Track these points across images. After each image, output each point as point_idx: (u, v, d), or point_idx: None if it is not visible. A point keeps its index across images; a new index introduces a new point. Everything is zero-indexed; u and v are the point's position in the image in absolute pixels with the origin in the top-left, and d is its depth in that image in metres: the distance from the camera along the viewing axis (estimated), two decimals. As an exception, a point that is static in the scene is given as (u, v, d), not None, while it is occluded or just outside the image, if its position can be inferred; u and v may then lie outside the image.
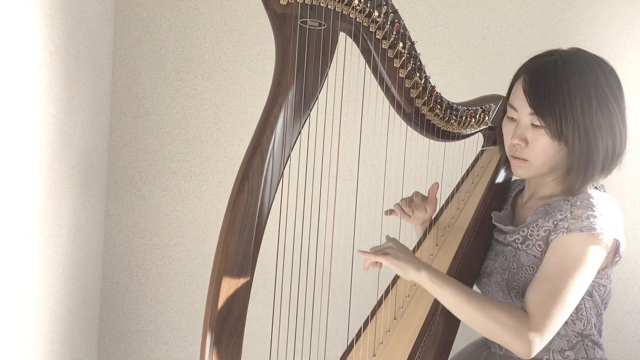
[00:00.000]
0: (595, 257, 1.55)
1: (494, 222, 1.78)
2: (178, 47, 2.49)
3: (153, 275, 2.51)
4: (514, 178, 1.98)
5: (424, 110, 1.72)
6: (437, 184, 1.88)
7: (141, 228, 2.50)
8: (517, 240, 1.68)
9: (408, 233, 1.99)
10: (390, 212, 1.91)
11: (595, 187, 1.65)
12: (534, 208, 1.70)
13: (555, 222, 1.60)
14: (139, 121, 2.48)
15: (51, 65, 1.95)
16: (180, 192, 2.51)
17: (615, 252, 1.62)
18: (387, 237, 1.67)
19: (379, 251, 1.59)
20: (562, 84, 1.56)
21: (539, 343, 1.50)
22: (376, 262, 1.62)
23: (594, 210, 1.55)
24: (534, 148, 1.61)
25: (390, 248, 1.60)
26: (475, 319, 1.53)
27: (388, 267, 1.58)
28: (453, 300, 1.55)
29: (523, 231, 1.67)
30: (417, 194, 1.90)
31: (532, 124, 1.60)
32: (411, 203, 1.89)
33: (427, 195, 1.89)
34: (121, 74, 2.47)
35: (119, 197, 2.50)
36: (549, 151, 1.60)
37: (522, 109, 1.62)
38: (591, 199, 1.57)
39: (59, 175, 2.03)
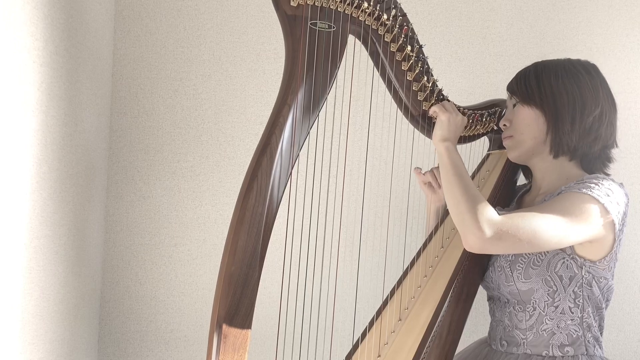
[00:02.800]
0: (584, 213, 1.61)
1: (499, 213, 1.80)
2: (178, 47, 2.49)
3: (153, 275, 2.51)
4: (519, 182, 1.99)
5: (431, 113, 1.74)
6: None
7: (141, 228, 2.50)
8: None
9: (412, 235, 1.99)
10: (418, 170, 1.98)
11: (605, 173, 1.76)
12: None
13: (559, 192, 1.69)
14: (139, 121, 2.48)
15: (51, 65, 1.94)
16: (180, 192, 2.50)
17: (612, 232, 1.65)
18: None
19: (445, 107, 1.76)
20: (531, 67, 1.80)
21: (488, 236, 1.57)
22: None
23: (597, 181, 1.65)
24: (514, 123, 1.80)
25: (451, 114, 1.74)
26: (454, 195, 1.66)
27: (438, 120, 1.74)
28: (449, 173, 1.69)
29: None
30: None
31: (513, 106, 1.81)
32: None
33: None
34: (121, 74, 2.47)
35: (119, 197, 2.49)
36: (525, 121, 1.77)
37: (507, 96, 1.85)
38: (598, 177, 1.68)
39: (59, 175, 2.03)
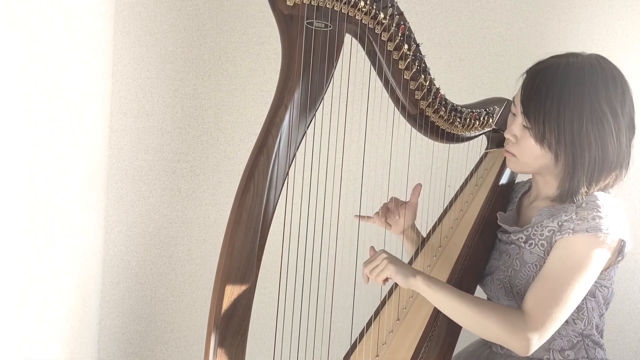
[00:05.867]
0: (599, 258, 1.57)
1: (499, 223, 1.79)
2: (178, 47, 2.49)
3: (153, 275, 2.51)
4: (517, 180, 1.99)
5: (429, 112, 1.74)
6: (420, 185, 1.88)
7: (141, 228, 2.50)
8: (520, 239, 1.69)
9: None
10: (362, 217, 1.92)
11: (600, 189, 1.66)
12: (539, 208, 1.71)
13: (560, 223, 1.61)
14: (139, 121, 2.48)
15: (52, 66, 1.94)
16: (180, 192, 2.51)
17: (619, 252, 1.63)
18: (373, 249, 1.73)
19: (376, 268, 1.62)
20: (554, 91, 1.58)
21: (537, 341, 1.54)
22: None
23: (599, 211, 1.57)
24: (521, 146, 1.66)
25: (385, 260, 1.62)
26: (472, 319, 1.57)
27: (391, 276, 1.60)
28: (447, 302, 1.58)
29: (527, 230, 1.69)
30: (392, 200, 1.92)
31: (523, 125, 1.65)
32: (388, 211, 1.91)
33: (409, 199, 1.91)
34: (121, 74, 2.47)
35: (119, 197, 2.49)
36: (533, 153, 1.64)
37: (518, 106, 1.66)
38: (597, 201, 1.59)
39: (58, 175, 2.03)
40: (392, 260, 1.62)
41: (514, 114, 1.69)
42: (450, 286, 1.60)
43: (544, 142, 1.60)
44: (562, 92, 1.58)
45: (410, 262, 1.86)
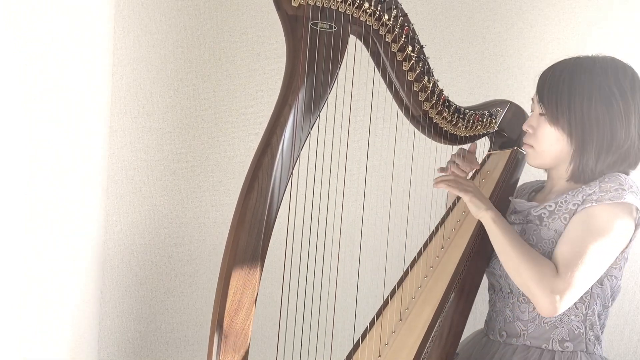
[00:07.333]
0: (621, 226, 1.64)
1: (514, 200, 1.85)
2: (178, 47, 2.49)
3: (153, 275, 2.51)
4: (519, 182, 2.00)
5: (432, 113, 1.75)
6: (476, 144, 1.99)
7: (141, 228, 2.50)
8: (543, 215, 1.74)
9: (413, 236, 2.00)
10: (442, 169, 2.00)
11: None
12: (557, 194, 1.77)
13: (584, 197, 1.67)
14: (139, 121, 2.48)
15: (51, 65, 1.94)
16: (180, 192, 2.50)
17: (635, 227, 1.69)
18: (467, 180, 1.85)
19: (459, 183, 1.77)
20: (566, 77, 1.70)
21: (562, 302, 1.60)
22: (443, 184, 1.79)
23: (622, 184, 1.64)
24: (538, 134, 1.76)
25: (471, 187, 1.75)
26: (514, 264, 1.64)
27: (465, 200, 1.75)
28: (499, 242, 1.68)
29: (550, 206, 1.74)
30: (462, 150, 2.00)
31: (539, 113, 1.75)
32: (464, 159, 1.99)
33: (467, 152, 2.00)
34: (121, 74, 2.47)
35: (119, 197, 2.49)
36: (549, 138, 1.73)
37: (535, 97, 1.78)
38: (620, 177, 1.66)
39: (58, 175, 2.02)
40: (476, 190, 1.76)
41: (532, 110, 1.79)
42: (511, 230, 1.69)
43: (557, 124, 1.70)
44: (573, 77, 1.69)
45: (413, 264, 1.86)
